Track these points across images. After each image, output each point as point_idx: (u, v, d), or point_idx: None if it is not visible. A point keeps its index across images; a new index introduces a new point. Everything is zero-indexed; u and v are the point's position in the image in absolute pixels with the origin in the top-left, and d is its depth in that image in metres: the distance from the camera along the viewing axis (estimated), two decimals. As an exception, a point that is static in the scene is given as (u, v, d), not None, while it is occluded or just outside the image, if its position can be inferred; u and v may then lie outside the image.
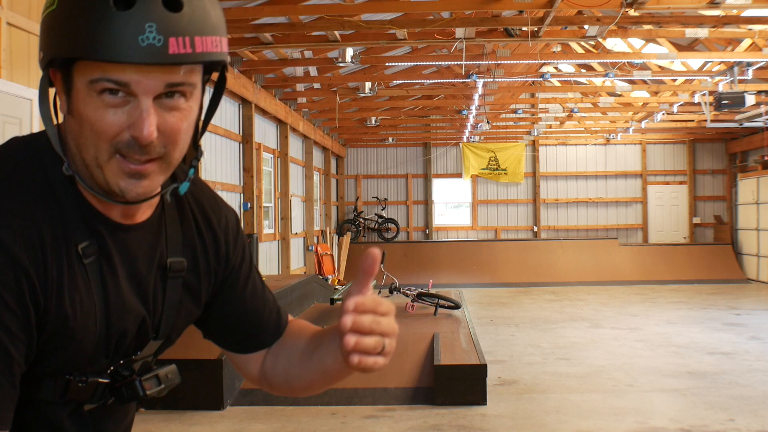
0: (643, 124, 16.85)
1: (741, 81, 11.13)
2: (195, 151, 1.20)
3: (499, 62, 10.83)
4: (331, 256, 17.04)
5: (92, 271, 1.12)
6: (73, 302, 1.09)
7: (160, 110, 1.06)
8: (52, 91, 1.11)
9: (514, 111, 16.01)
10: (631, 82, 14.64)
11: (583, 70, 14.48)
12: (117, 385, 1.21)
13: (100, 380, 1.19)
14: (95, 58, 1.00)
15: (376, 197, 20.66)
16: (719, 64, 11.64)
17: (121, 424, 1.31)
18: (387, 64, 11.61)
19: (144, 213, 1.20)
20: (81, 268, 1.11)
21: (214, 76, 1.19)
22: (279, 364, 1.38)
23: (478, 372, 6.19)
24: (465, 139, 19.62)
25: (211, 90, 1.20)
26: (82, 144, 1.07)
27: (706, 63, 12.20)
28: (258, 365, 1.41)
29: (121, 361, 1.21)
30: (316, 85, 13.40)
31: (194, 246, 1.28)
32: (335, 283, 14.98)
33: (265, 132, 13.08)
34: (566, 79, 14.69)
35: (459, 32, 8.97)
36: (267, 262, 12.76)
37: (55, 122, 1.13)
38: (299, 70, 12.08)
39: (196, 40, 1.02)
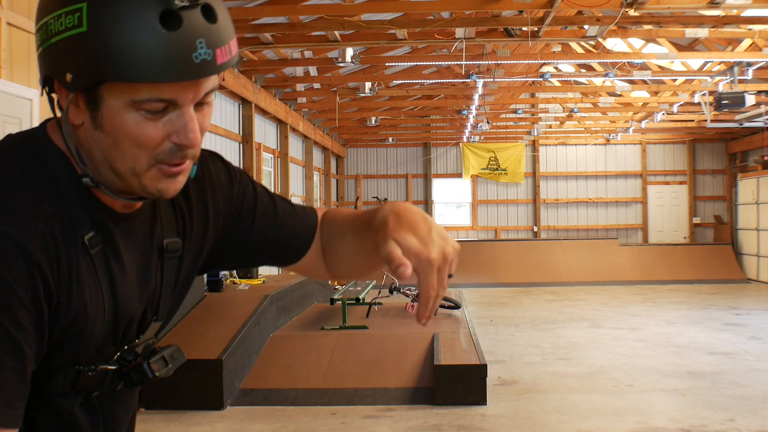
0: (643, 124, 16.84)
1: (741, 81, 11.13)
2: None
3: (499, 62, 10.83)
4: (331, 256, 17.01)
5: (98, 261, 1.13)
6: (82, 294, 1.09)
7: (195, 113, 1.08)
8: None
9: (514, 111, 16.00)
10: (631, 82, 14.64)
11: (583, 70, 14.48)
12: (125, 370, 1.22)
13: (109, 367, 1.20)
14: (154, 80, 0.99)
15: (376, 197, 20.64)
16: (719, 64, 11.64)
17: (129, 411, 1.33)
18: (387, 64, 11.61)
19: None
20: (87, 259, 1.11)
21: None
22: (340, 264, 1.41)
23: (478, 372, 6.19)
24: (465, 139, 19.62)
25: None
26: (116, 157, 1.07)
27: (706, 63, 12.19)
28: (321, 267, 1.44)
29: (126, 346, 1.23)
30: (316, 85, 13.40)
31: (184, 215, 1.28)
32: (335, 284, 14.96)
33: (265, 132, 13.08)
34: (566, 79, 14.69)
35: (459, 32, 8.97)
36: (267, 262, 12.73)
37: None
38: (299, 70, 12.08)
39: (231, 45, 1.05)
